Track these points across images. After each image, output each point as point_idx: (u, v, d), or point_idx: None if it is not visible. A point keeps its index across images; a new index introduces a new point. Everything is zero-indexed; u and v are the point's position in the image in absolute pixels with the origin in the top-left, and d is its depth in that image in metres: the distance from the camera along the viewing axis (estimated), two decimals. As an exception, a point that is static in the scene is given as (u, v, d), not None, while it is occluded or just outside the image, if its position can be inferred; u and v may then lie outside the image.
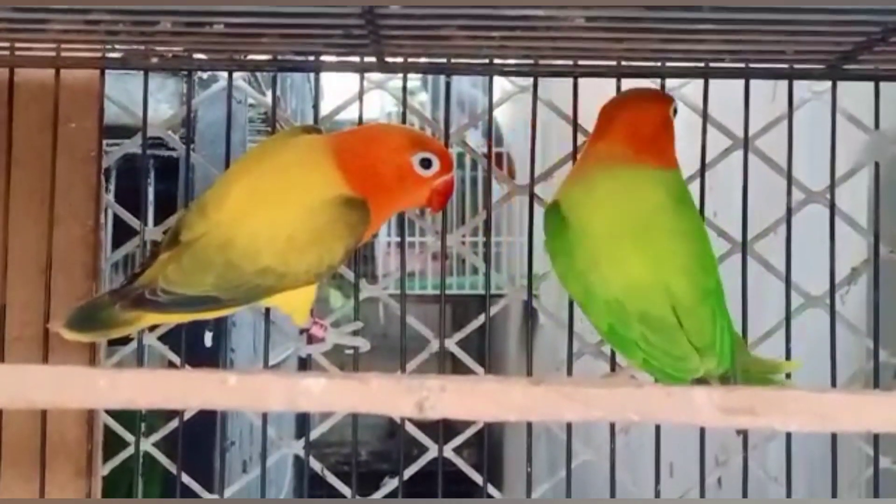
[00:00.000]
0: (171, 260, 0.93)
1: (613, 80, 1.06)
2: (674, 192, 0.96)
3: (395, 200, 0.97)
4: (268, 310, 1.07)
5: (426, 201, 0.97)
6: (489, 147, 1.15)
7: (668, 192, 0.96)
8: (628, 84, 1.06)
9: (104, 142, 1.10)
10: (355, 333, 1.05)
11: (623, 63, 1.04)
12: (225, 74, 1.09)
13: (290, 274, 0.92)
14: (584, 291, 0.95)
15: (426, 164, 0.95)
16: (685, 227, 0.96)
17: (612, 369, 1.07)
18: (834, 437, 1.06)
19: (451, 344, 1.11)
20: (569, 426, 1.06)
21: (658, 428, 1.06)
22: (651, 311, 0.92)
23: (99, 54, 1.03)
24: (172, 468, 1.09)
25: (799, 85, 1.08)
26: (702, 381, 0.93)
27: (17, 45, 1.00)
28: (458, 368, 1.01)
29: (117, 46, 1.00)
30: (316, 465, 1.12)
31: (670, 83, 1.09)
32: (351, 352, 1.07)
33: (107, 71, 1.08)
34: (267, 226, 0.92)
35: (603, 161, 0.97)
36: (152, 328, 1.10)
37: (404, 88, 1.09)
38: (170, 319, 1.00)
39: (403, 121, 1.11)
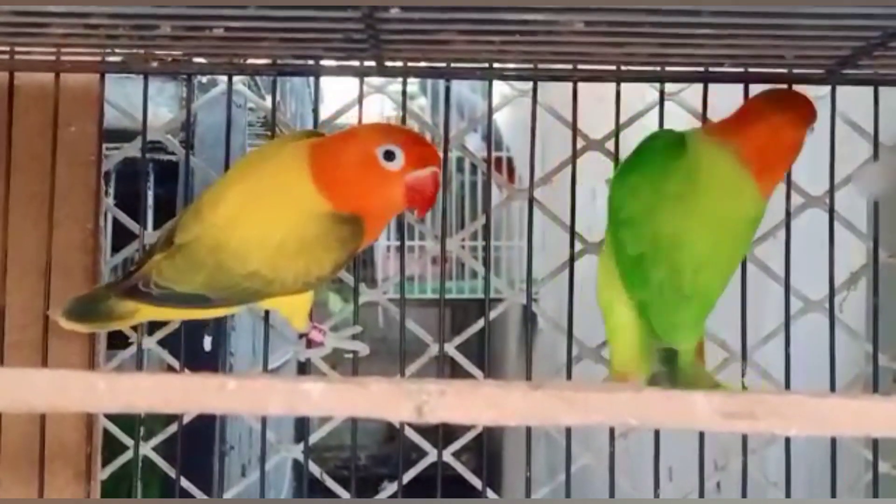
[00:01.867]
0: (165, 257, 0.95)
1: (613, 84, 1.06)
2: (756, 218, 0.97)
3: (369, 201, 0.93)
4: (267, 314, 1.07)
5: (405, 200, 0.93)
6: (488, 151, 1.15)
7: (756, 217, 0.96)
8: (628, 88, 1.06)
9: (104, 145, 1.10)
10: (354, 338, 1.05)
11: (623, 67, 1.04)
12: (224, 78, 1.09)
13: (277, 280, 0.93)
14: (644, 211, 0.94)
15: (389, 156, 0.91)
16: (742, 250, 0.98)
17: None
18: (833, 441, 1.06)
19: (450, 348, 1.11)
20: (568, 430, 1.06)
21: (657, 432, 1.05)
22: (682, 272, 0.92)
23: (99, 58, 1.03)
24: (171, 472, 1.09)
25: (799, 89, 1.08)
26: (666, 358, 0.93)
27: (17, 48, 1.00)
28: (458, 372, 1.01)
29: (117, 50, 1.00)
30: (315, 469, 1.12)
31: (670, 88, 1.09)
32: (350, 356, 1.07)
33: (106, 75, 1.08)
34: (258, 231, 0.93)
35: (716, 158, 0.95)
36: (151, 332, 1.10)
37: (404, 92, 1.09)
38: (162, 315, 1.01)
39: (403, 125, 1.11)
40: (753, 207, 0.95)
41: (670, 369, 0.94)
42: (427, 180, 0.92)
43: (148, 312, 0.97)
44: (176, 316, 1.03)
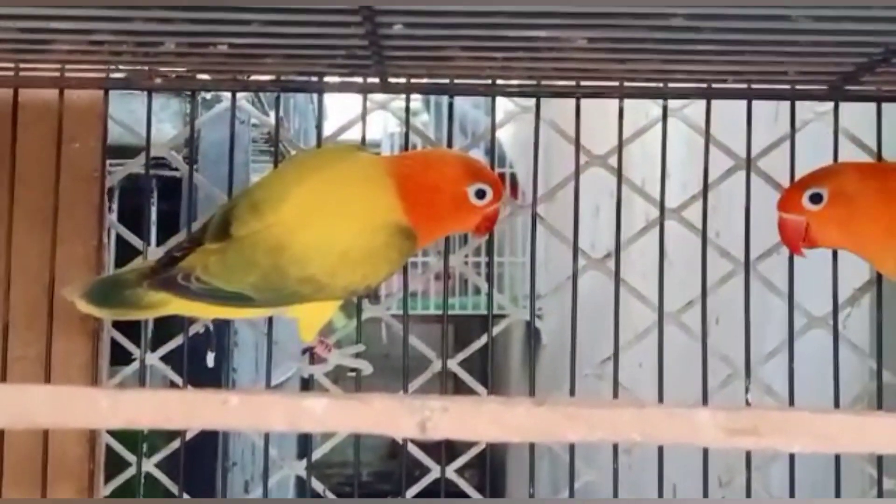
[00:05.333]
0: (216, 251, 0.92)
1: (616, 101, 1.06)
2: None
3: (444, 228, 1.00)
4: (270, 329, 1.06)
5: (473, 228, 1.00)
6: (492, 167, 1.16)
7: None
8: (631, 104, 1.06)
9: (108, 161, 1.11)
10: (358, 356, 1.05)
11: (626, 83, 1.04)
12: (228, 95, 1.09)
13: (330, 286, 0.93)
14: None
15: (481, 194, 0.97)
16: None
17: (615, 394, 1.07)
18: (837, 458, 1.06)
19: (453, 364, 1.11)
20: (572, 447, 1.06)
21: (661, 448, 1.05)
22: None
23: (103, 74, 1.03)
24: (174, 489, 1.09)
25: (801, 105, 1.08)
26: None
27: (22, 65, 1.00)
28: (461, 389, 1.01)
29: (121, 67, 1.00)
30: (318, 485, 1.12)
31: (673, 104, 1.09)
32: (353, 374, 1.07)
33: (110, 91, 1.09)
34: (323, 237, 0.93)
35: None
36: (154, 348, 1.10)
37: (407, 109, 1.09)
38: (193, 311, 0.98)
39: (406, 141, 1.12)
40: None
41: None
42: (497, 213, 1.00)
43: (178, 306, 0.94)
44: (208, 313, 1.00)
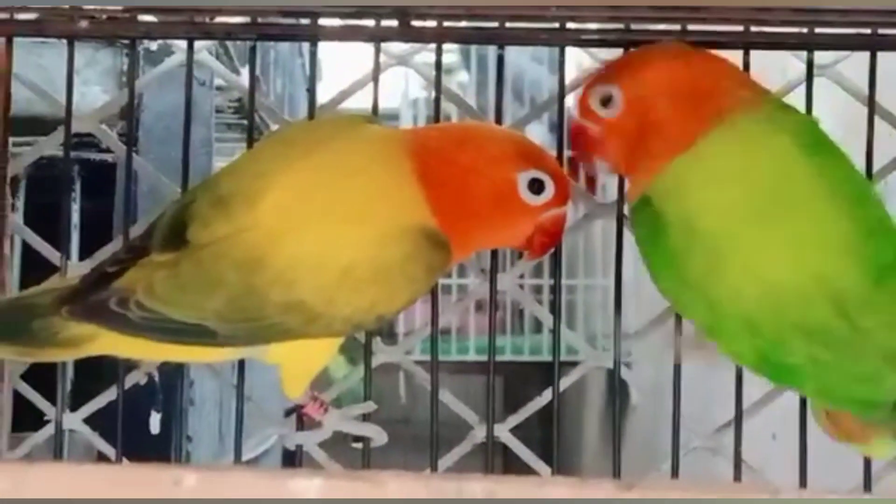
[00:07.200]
0: (165, 265, 0.93)
1: (739, 52, 1.06)
2: (804, 138, 0.95)
3: (485, 232, 0.98)
4: (241, 379, 1.07)
5: (525, 241, 0.98)
6: (559, 148, 1.16)
7: (794, 140, 0.95)
8: (760, 58, 1.06)
9: (10, 140, 1.12)
10: (366, 418, 1.05)
11: (752, 29, 1.04)
12: (183, 44, 1.10)
13: (325, 317, 0.93)
14: (707, 312, 0.94)
15: (537, 187, 0.96)
16: (832, 185, 0.94)
17: (737, 475, 1.07)
18: None
19: (502, 431, 1.11)
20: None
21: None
22: (810, 320, 0.91)
23: (6, 15, 1.04)
24: None
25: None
26: None
27: None
28: (513, 466, 1.01)
29: (31, 5, 1.01)
30: None
31: (821, 57, 1.09)
32: (359, 445, 1.07)
33: (15, 39, 1.10)
34: (317, 247, 0.92)
35: (706, 122, 0.96)
36: (75, 406, 1.10)
37: (438, 64, 1.09)
38: (129, 350, 0.98)
39: (436, 110, 1.12)
40: (776, 144, 0.95)
41: None
42: (560, 222, 0.98)
43: (110, 344, 0.95)
44: (153, 354, 1.01)
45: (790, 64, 1.11)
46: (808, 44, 1.07)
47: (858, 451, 1.01)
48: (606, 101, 0.96)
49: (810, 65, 1.09)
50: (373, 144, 0.97)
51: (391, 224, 0.93)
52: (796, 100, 1.09)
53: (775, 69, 1.16)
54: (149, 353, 0.99)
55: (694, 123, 0.94)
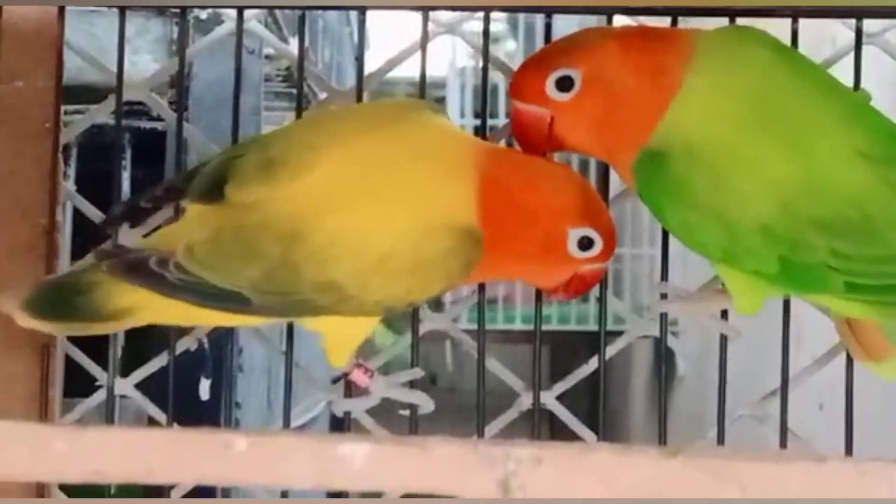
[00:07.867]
0: (204, 224, 0.93)
1: (787, 21, 1.06)
2: (772, 43, 0.96)
3: (520, 270, 1.01)
4: (290, 346, 1.07)
5: (559, 286, 0.99)
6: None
7: (771, 48, 0.96)
8: (809, 26, 1.05)
9: (63, 108, 1.12)
10: (412, 384, 1.05)
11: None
12: (232, 13, 1.10)
13: (356, 299, 0.92)
14: (721, 231, 0.93)
15: (585, 244, 0.96)
16: (814, 85, 0.95)
17: (783, 443, 1.07)
18: None
19: (549, 399, 1.11)
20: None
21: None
22: (823, 211, 0.91)
23: (57, -16, 1.05)
24: (153, 570, 1.11)
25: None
26: None
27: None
28: (559, 433, 1.01)
29: (82, -26, 1.02)
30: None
31: (870, 25, 1.08)
32: (407, 412, 1.07)
33: (67, 8, 1.10)
34: (360, 230, 0.91)
35: (685, 60, 0.95)
36: (126, 372, 1.11)
37: (485, 33, 1.09)
38: (169, 317, 0.98)
39: (484, 78, 1.12)
40: (757, 55, 0.96)
41: None
42: (599, 277, 1.00)
43: (150, 312, 0.94)
44: (197, 319, 1.00)
45: (839, 32, 1.11)
46: (857, 11, 1.06)
47: (884, 376, 1.00)
48: (564, 84, 0.95)
49: (859, 33, 1.08)
50: (445, 139, 0.96)
51: (439, 219, 0.92)
52: (845, 69, 1.08)
53: (824, 37, 1.15)
54: (192, 318, 0.99)
55: (671, 73, 0.94)
